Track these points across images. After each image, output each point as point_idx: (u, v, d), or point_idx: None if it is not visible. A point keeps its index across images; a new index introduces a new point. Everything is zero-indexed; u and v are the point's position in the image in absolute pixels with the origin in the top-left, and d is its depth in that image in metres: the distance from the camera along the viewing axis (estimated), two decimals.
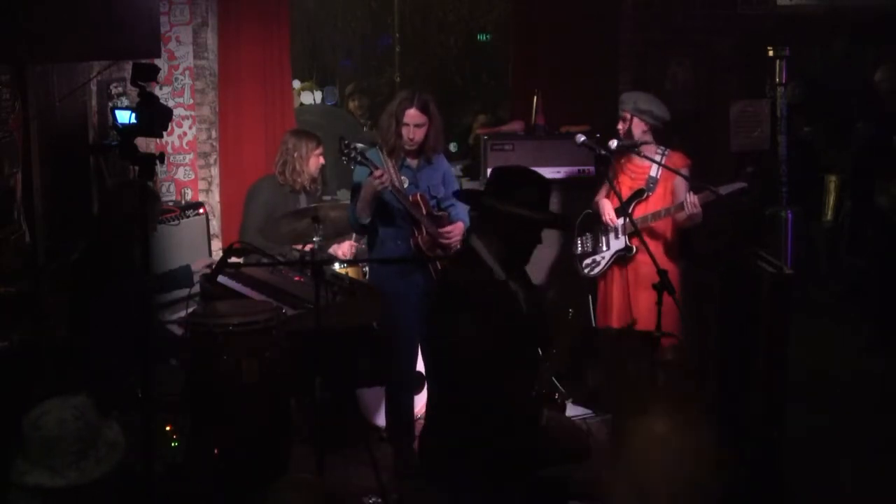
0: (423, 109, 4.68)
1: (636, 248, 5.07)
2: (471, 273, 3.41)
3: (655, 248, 4.84)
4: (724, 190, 4.88)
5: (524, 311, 3.47)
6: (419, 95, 4.71)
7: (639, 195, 5.09)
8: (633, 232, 4.99)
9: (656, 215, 5.02)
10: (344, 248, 5.70)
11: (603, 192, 5.29)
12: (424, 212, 4.67)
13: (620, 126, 5.13)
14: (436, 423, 3.57)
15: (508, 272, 3.45)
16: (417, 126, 4.68)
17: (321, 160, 5.64)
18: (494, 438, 3.29)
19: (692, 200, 4.87)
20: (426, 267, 4.67)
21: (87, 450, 2.73)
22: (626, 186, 5.14)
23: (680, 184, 5.01)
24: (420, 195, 4.71)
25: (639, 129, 5.07)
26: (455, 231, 4.71)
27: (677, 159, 5.05)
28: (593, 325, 5.40)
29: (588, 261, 5.26)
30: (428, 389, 4.54)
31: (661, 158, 5.02)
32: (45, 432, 2.69)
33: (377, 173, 4.47)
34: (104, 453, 2.77)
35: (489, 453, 3.29)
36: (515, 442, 3.32)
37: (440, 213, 4.79)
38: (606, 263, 5.19)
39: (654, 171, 5.07)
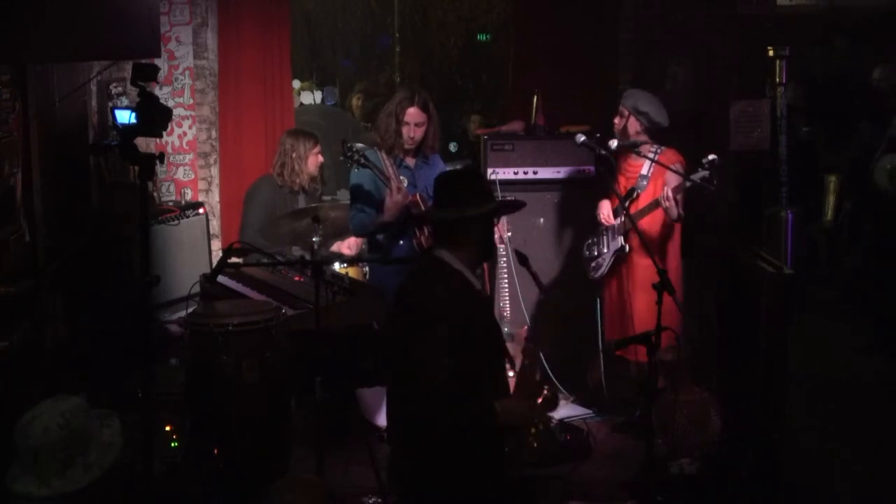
0: (424, 108, 4.70)
1: (630, 246, 5.07)
2: (446, 287, 3.20)
3: (653, 247, 4.83)
4: (689, 179, 4.79)
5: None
6: (419, 94, 4.72)
7: (630, 194, 5.09)
8: (628, 230, 5.01)
9: (640, 213, 5.01)
10: (349, 242, 5.68)
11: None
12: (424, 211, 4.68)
13: (617, 121, 5.13)
14: (405, 448, 3.31)
15: (476, 278, 3.34)
16: (418, 125, 4.70)
17: (320, 158, 5.63)
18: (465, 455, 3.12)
19: (665, 194, 4.84)
20: None
21: (75, 457, 2.71)
22: (622, 186, 5.14)
23: (672, 180, 4.97)
24: (419, 195, 4.72)
25: (633, 128, 5.07)
26: None
27: (670, 155, 5.04)
28: (599, 326, 5.41)
29: (593, 263, 5.28)
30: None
31: (654, 156, 5.01)
32: (31, 441, 2.68)
33: (394, 185, 4.49)
34: (95, 457, 2.75)
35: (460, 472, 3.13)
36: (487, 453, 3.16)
37: None
38: (607, 264, 5.19)
39: (645, 168, 5.07)
